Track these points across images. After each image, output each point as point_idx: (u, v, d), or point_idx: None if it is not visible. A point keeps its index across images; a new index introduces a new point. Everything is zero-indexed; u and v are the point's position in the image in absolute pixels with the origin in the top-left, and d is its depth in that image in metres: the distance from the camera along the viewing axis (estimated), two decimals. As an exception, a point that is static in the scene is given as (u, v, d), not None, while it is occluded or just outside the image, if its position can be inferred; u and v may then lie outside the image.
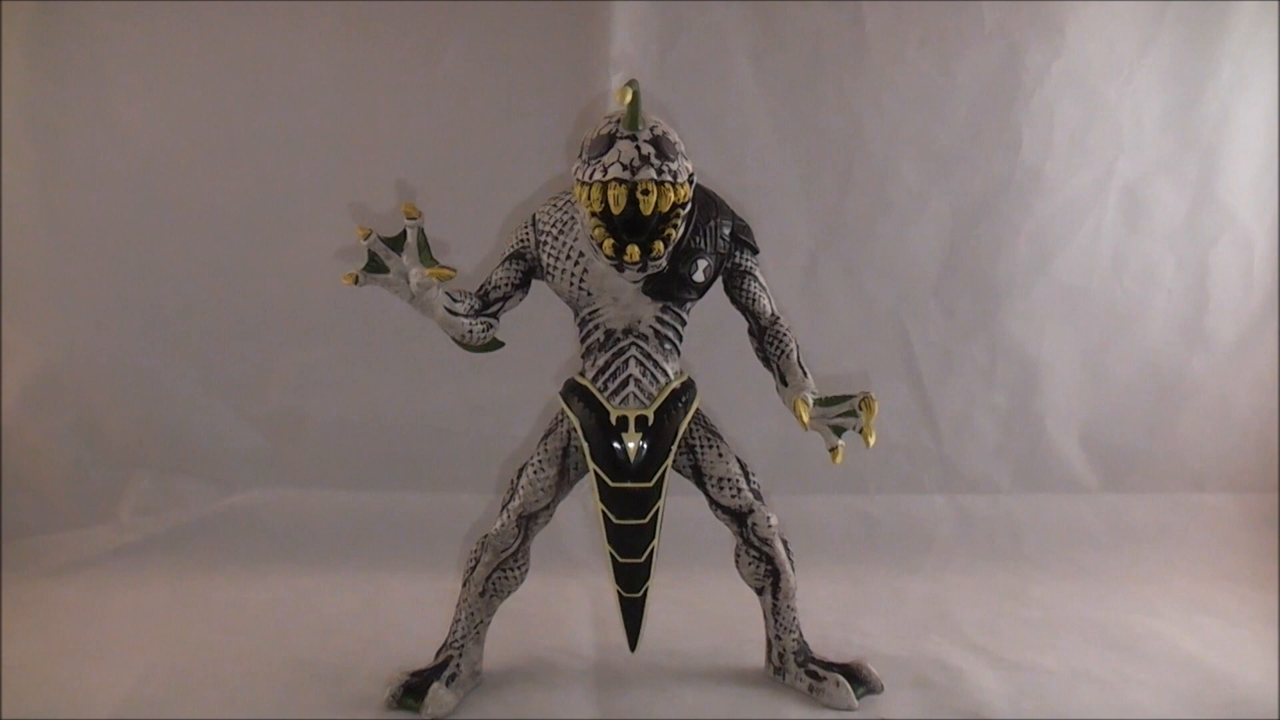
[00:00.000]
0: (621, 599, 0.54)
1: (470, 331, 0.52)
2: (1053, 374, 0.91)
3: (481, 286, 0.53)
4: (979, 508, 0.89)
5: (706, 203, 0.51)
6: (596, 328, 0.52)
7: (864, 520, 0.86)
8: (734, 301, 0.54)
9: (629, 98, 0.45)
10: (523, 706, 0.55)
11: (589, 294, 0.52)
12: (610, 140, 0.47)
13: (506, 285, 0.53)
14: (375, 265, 0.50)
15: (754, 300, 0.53)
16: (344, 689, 0.56)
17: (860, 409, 0.49)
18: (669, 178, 0.46)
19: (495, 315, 0.53)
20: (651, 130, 0.47)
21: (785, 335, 0.53)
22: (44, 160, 0.80)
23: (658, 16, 0.81)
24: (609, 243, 0.47)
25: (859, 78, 0.84)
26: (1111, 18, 0.85)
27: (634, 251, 0.47)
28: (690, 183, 0.48)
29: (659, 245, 0.47)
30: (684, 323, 0.53)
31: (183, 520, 0.83)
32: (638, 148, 0.46)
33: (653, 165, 0.46)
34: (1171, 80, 0.87)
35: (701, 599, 0.68)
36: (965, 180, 0.87)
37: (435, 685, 0.54)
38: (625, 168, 0.46)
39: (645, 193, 0.46)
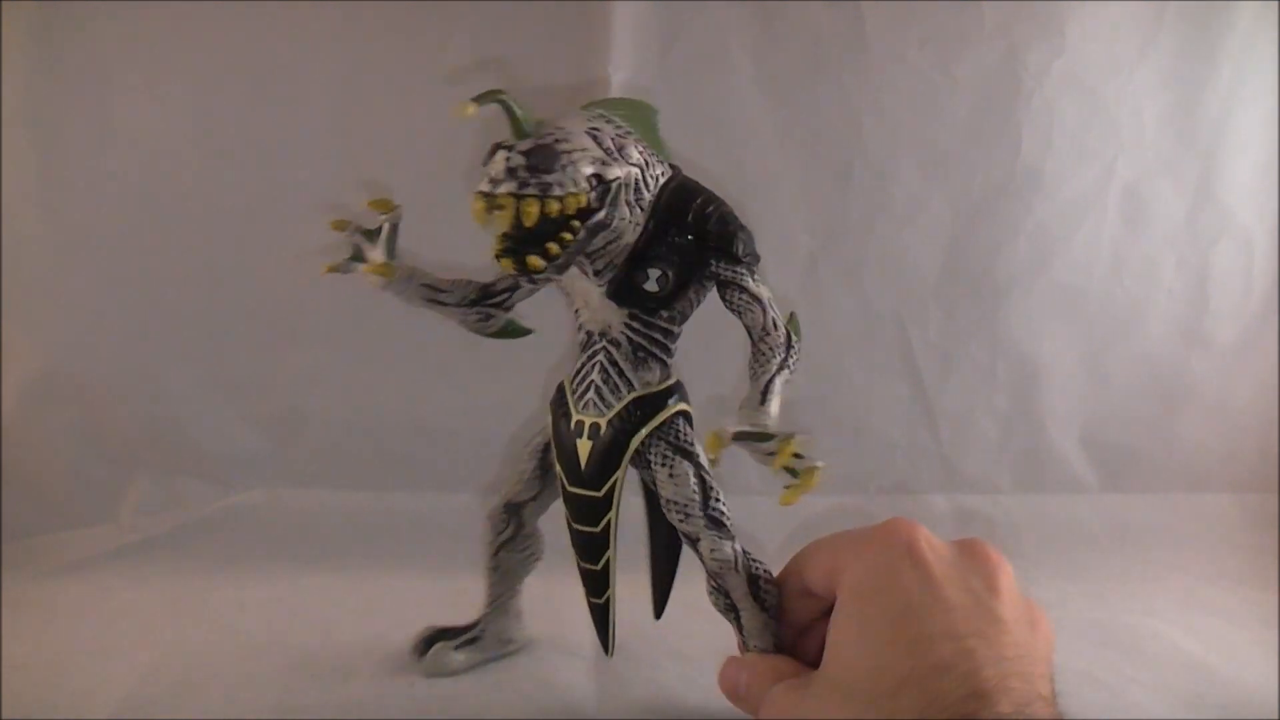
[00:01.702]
0: (589, 603, 0.53)
1: (464, 320, 0.54)
2: (1053, 374, 0.91)
3: (496, 278, 0.54)
4: (979, 508, 0.89)
5: (678, 208, 0.49)
6: (580, 328, 0.52)
7: (864, 520, 0.85)
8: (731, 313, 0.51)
9: (469, 112, 0.42)
10: (521, 706, 0.55)
11: (568, 295, 0.52)
12: (493, 150, 0.44)
13: (510, 278, 0.54)
14: (358, 256, 0.53)
15: (740, 313, 0.49)
16: (344, 689, 0.56)
17: (776, 451, 0.43)
18: (534, 191, 0.43)
19: (499, 305, 0.54)
20: (541, 140, 0.44)
21: (767, 353, 0.48)
22: (44, 160, 0.80)
23: (658, 16, 0.81)
24: (495, 249, 0.45)
25: (859, 78, 0.84)
26: (1111, 18, 0.85)
27: (506, 264, 0.44)
28: (593, 190, 0.45)
29: (534, 260, 0.44)
30: (666, 332, 0.50)
31: (183, 520, 0.83)
32: (507, 159, 0.43)
33: (517, 179, 0.43)
34: (1171, 80, 0.87)
35: (701, 598, 0.68)
36: (965, 180, 0.87)
37: (441, 645, 0.56)
38: (491, 180, 0.43)
39: (500, 208, 0.43)
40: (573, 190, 0.44)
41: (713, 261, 0.49)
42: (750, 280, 0.49)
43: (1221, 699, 0.58)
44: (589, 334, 0.51)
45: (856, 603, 0.40)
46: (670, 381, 0.51)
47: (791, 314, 0.49)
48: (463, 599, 0.62)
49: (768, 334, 0.48)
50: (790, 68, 0.83)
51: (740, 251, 0.49)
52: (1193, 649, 0.65)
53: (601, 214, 0.45)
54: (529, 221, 0.43)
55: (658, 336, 0.50)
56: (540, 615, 0.66)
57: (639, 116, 0.50)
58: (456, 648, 0.57)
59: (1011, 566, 0.41)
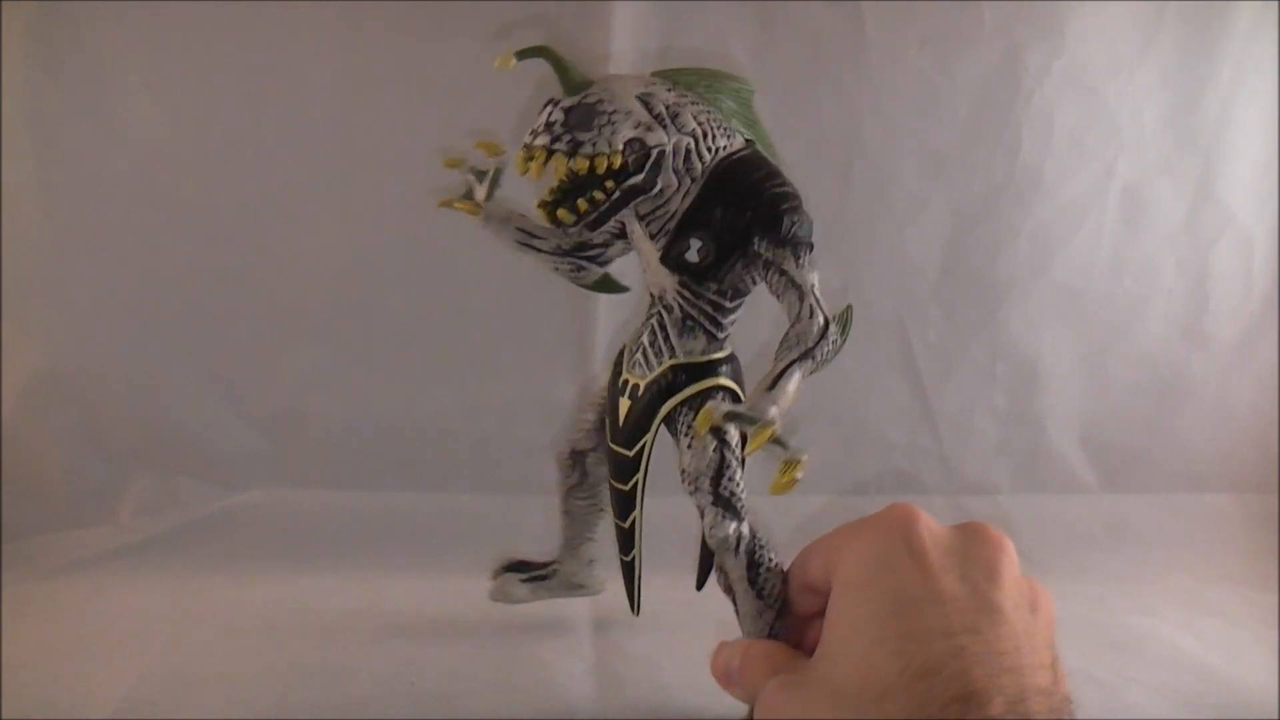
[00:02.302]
0: (620, 561, 0.55)
1: (557, 268, 0.56)
2: (1053, 374, 0.91)
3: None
4: (979, 508, 0.89)
5: (731, 180, 0.48)
6: (648, 291, 0.53)
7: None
8: None
9: (511, 63, 0.44)
10: (522, 705, 0.55)
11: (638, 256, 0.53)
12: (544, 105, 0.47)
13: (606, 232, 0.55)
14: (469, 194, 0.56)
15: (779, 295, 0.48)
16: (344, 689, 0.56)
17: (756, 431, 0.43)
18: (564, 147, 0.44)
19: (594, 260, 0.56)
20: (584, 99, 0.45)
21: (793, 339, 0.46)
22: (44, 160, 0.80)
23: (658, 16, 0.81)
24: (538, 199, 0.48)
25: (859, 78, 0.84)
26: (1111, 18, 0.85)
27: (540, 213, 0.47)
28: (632, 154, 0.46)
29: (563, 212, 0.46)
30: (716, 305, 0.50)
31: (183, 520, 0.83)
32: (549, 114, 0.45)
33: (552, 133, 0.45)
34: (1171, 80, 0.87)
35: (702, 599, 0.68)
36: (965, 180, 0.87)
37: (507, 575, 0.59)
38: (532, 133, 0.46)
39: (530, 159, 0.45)
40: (604, 150, 0.45)
41: (755, 239, 0.48)
42: (792, 264, 0.47)
43: (1221, 699, 0.58)
44: (651, 297, 0.52)
45: (849, 595, 0.39)
46: (716, 355, 0.51)
47: (847, 307, 0.48)
48: (463, 599, 0.63)
49: (799, 320, 0.46)
50: (790, 68, 0.83)
51: (785, 232, 0.47)
52: (1193, 649, 0.65)
53: (639, 178, 0.46)
54: (556, 176, 0.45)
55: (706, 308, 0.50)
56: (540, 614, 0.66)
57: (735, 93, 0.51)
58: (524, 579, 0.60)
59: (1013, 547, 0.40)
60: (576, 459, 0.59)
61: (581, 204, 0.46)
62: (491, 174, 0.55)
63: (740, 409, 0.44)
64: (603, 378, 0.56)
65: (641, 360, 0.51)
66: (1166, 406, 0.93)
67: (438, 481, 0.86)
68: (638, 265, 0.53)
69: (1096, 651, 0.64)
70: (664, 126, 0.46)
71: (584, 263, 0.56)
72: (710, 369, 0.51)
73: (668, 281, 0.50)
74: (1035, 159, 0.87)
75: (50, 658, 0.60)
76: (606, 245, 0.56)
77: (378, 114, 0.82)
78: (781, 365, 0.45)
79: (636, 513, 0.53)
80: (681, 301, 0.50)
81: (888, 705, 0.34)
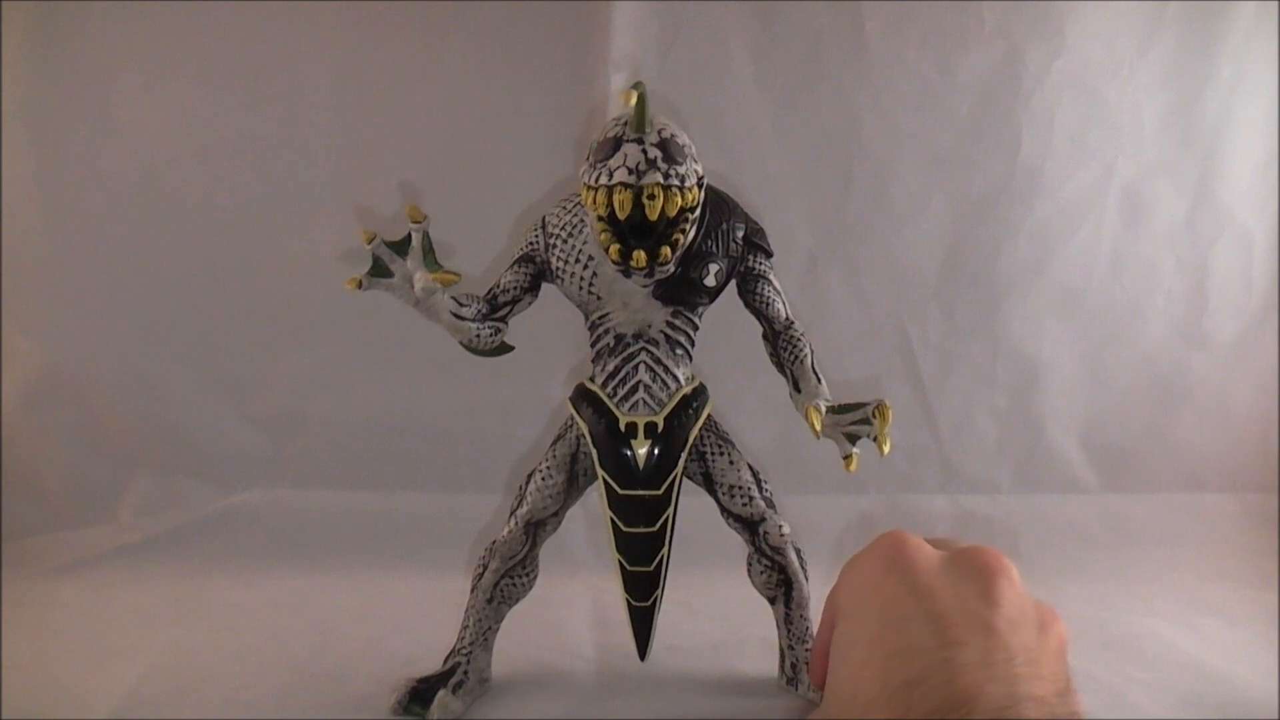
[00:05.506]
0: (631, 607, 0.53)
1: (478, 336, 0.52)
2: (1053, 374, 0.91)
3: (490, 290, 0.53)
4: (979, 508, 0.89)
5: (719, 205, 0.51)
6: (606, 332, 0.52)
7: (864, 520, 0.86)
8: (748, 306, 0.53)
9: (634, 100, 0.44)
10: (524, 708, 0.55)
11: (599, 298, 0.51)
12: (617, 143, 0.46)
13: (515, 289, 0.53)
14: (379, 269, 0.51)
15: (768, 304, 0.52)
16: (344, 690, 0.56)
17: (874, 417, 0.48)
18: (675, 182, 0.45)
19: (503, 319, 0.53)
20: (660, 133, 0.46)
21: (799, 340, 0.52)
22: (44, 160, 0.80)
23: (658, 16, 0.81)
24: (615, 248, 0.47)
25: (859, 78, 0.84)
26: (1111, 18, 0.85)
27: (640, 257, 0.46)
28: (700, 186, 0.48)
29: (666, 251, 0.47)
30: (696, 327, 0.53)
31: (183, 520, 0.83)
32: (644, 151, 0.45)
33: (659, 169, 0.45)
34: (1171, 80, 0.87)
35: (701, 598, 0.68)
36: (965, 180, 0.87)
37: (442, 692, 0.53)
38: (631, 172, 0.45)
39: (651, 197, 0.45)
40: (695, 184, 0.47)
41: (750, 256, 0.52)
42: (773, 274, 0.53)
43: (1221, 699, 0.58)
44: (618, 337, 0.52)
45: (845, 623, 0.40)
46: (695, 377, 0.53)
47: None
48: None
49: (791, 324, 0.53)
50: (790, 68, 0.83)
51: (768, 246, 0.52)
52: (1193, 649, 0.65)
53: (699, 209, 0.49)
54: (672, 211, 0.46)
55: (690, 332, 0.53)
56: (541, 617, 0.66)
57: None
58: (452, 692, 0.54)
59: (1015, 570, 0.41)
60: (530, 530, 0.54)
61: (680, 238, 0.47)
62: (419, 242, 0.50)
63: (838, 404, 0.49)
64: (566, 435, 0.54)
65: (646, 399, 0.51)
66: (1166, 406, 0.93)
67: (437, 481, 0.86)
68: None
69: (1096, 651, 0.64)
70: (697, 159, 0.48)
71: (500, 324, 0.53)
72: (703, 389, 0.53)
73: (656, 315, 0.51)
74: (1035, 159, 0.87)
75: (50, 658, 0.60)
76: (515, 301, 0.53)
77: (378, 113, 0.82)
78: (809, 364, 0.51)
79: (665, 550, 0.52)
80: (669, 331, 0.52)
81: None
